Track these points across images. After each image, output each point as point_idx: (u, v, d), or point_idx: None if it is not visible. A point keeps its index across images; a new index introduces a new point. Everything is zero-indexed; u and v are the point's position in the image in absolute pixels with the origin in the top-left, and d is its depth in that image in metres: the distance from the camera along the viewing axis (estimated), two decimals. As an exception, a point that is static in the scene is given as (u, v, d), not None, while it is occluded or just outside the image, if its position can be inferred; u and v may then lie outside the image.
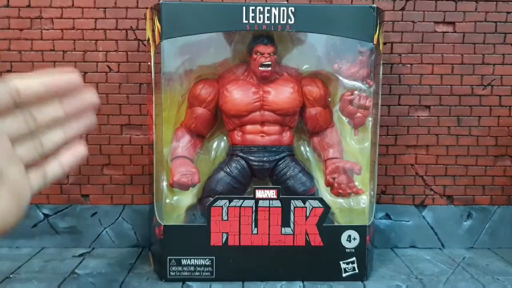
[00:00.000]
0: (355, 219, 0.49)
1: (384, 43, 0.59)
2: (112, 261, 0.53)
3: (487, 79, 0.60)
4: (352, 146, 0.52)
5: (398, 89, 0.60)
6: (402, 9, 0.59)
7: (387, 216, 0.61)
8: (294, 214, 0.47)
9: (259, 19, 0.46)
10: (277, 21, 0.46)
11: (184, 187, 0.48)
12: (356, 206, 0.50)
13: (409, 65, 0.60)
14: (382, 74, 0.60)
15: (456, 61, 0.60)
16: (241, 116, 0.49)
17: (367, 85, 0.49)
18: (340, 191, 0.50)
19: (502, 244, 0.61)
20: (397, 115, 0.60)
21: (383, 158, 0.61)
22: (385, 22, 0.59)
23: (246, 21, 0.46)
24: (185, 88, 0.50)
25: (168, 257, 0.48)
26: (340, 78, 0.49)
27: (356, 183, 0.50)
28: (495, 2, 0.59)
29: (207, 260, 0.48)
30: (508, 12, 0.59)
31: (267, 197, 0.48)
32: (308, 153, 0.53)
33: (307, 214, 0.47)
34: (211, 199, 0.47)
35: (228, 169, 0.50)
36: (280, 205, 0.47)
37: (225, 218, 0.47)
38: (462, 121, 0.61)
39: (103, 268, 0.52)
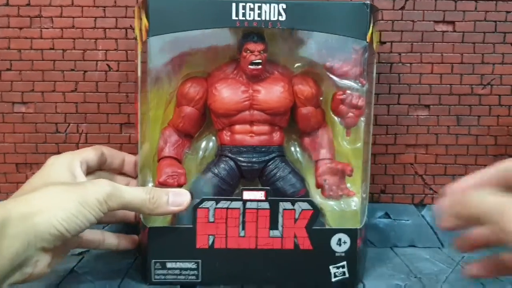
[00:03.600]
0: (345, 222, 0.47)
1: (384, 42, 0.59)
2: (112, 260, 0.53)
3: (486, 79, 0.60)
4: (344, 147, 0.50)
5: (397, 88, 0.60)
6: (402, 8, 0.59)
7: (387, 215, 0.61)
8: (282, 217, 0.45)
9: (249, 16, 0.44)
10: (267, 18, 0.44)
11: (173, 187, 0.47)
12: (347, 209, 0.48)
13: (408, 64, 0.60)
14: (382, 73, 0.60)
15: (456, 60, 0.60)
16: (229, 115, 0.47)
17: (360, 84, 0.47)
18: (330, 193, 0.48)
19: (501, 244, 0.61)
20: (396, 114, 0.60)
21: (382, 157, 0.61)
22: (382, 21, 0.59)
23: (236, 18, 0.44)
24: (173, 87, 0.49)
25: (153, 260, 0.46)
26: (332, 77, 0.48)
27: (348, 185, 0.49)
28: (494, 1, 0.59)
29: (193, 263, 0.46)
30: (507, 12, 0.59)
31: (255, 198, 0.45)
32: (298, 154, 0.51)
33: (296, 217, 0.45)
34: (198, 200, 0.45)
35: (216, 170, 0.48)
36: (268, 207, 0.45)
37: (211, 220, 0.45)
38: (461, 121, 0.61)
39: (102, 267, 0.52)
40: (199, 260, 0.46)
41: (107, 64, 0.59)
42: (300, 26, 0.45)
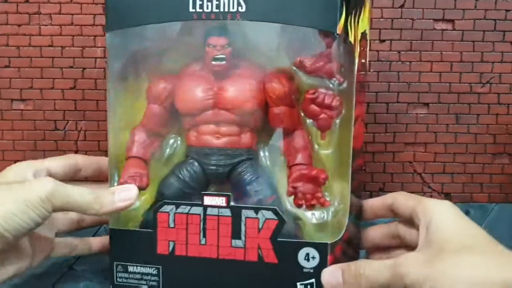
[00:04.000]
0: (314, 235, 0.42)
1: (383, 41, 0.59)
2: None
3: (486, 77, 0.60)
4: (317, 152, 0.45)
5: (396, 86, 0.60)
6: (401, 6, 0.59)
7: (385, 214, 0.61)
8: (245, 225, 0.41)
9: (207, 8, 0.41)
10: (226, 9, 0.40)
11: None
12: (319, 220, 0.43)
13: (408, 63, 0.60)
14: (381, 71, 0.60)
15: (455, 58, 0.60)
16: (193, 114, 0.44)
17: (336, 82, 0.42)
18: (300, 202, 0.43)
19: (500, 242, 0.61)
20: (395, 113, 0.60)
21: (381, 156, 0.61)
22: (381, 19, 0.59)
23: (193, 10, 0.41)
24: (140, 85, 0.46)
25: (115, 263, 0.44)
26: (304, 74, 0.43)
27: (326, 194, 0.43)
28: (494, 0, 0.59)
29: (154, 269, 0.43)
30: (507, 10, 0.59)
31: (216, 204, 0.42)
32: (267, 159, 0.46)
33: (260, 226, 0.41)
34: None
35: (179, 173, 0.45)
36: (230, 214, 0.42)
37: (171, 225, 0.43)
38: (460, 119, 0.61)
39: (100, 265, 0.52)
40: (160, 266, 0.44)
41: (105, 62, 0.59)
42: (262, 18, 0.40)
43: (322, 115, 0.42)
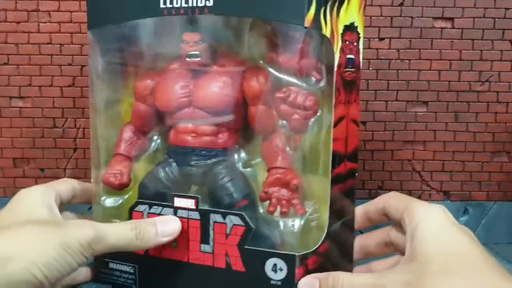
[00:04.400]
0: (284, 246, 0.39)
1: (382, 39, 0.59)
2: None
3: (485, 75, 0.60)
4: (292, 155, 0.41)
5: (396, 84, 0.60)
6: (401, 4, 0.59)
7: (384, 212, 0.61)
8: (213, 230, 0.39)
9: (176, 3, 0.39)
10: (194, 4, 0.39)
11: (113, 186, 0.44)
12: (288, 230, 0.39)
13: (407, 61, 0.60)
14: (380, 69, 0.60)
15: (454, 57, 0.60)
16: (171, 112, 0.42)
17: (313, 80, 0.39)
18: (271, 209, 0.39)
19: (498, 240, 0.62)
20: (394, 111, 0.60)
21: (380, 154, 0.61)
22: (381, 17, 0.59)
23: (164, 6, 0.39)
24: (128, 82, 0.46)
25: (97, 259, 0.43)
26: (279, 71, 0.39)
27: (306, 203, 0.40)
28: (493, -2, 0.59)
29: (131, 267, 0.43)
30: (507, 8, 0.59)
31: (185, 206, 0.40)
32: (244, 161, 0.43)
33: (227, 232, 0.39)
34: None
35: (157, 172, 0.43)
36: (199, 217, 0.40)
37: None
38: (459, 117, 0.61)
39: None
40: (136, 265, 0.43)
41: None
42: (230, 12, 0.38)
43: (295, 116, 0.39)
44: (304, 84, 0.39)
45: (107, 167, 0.45)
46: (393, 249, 0.39)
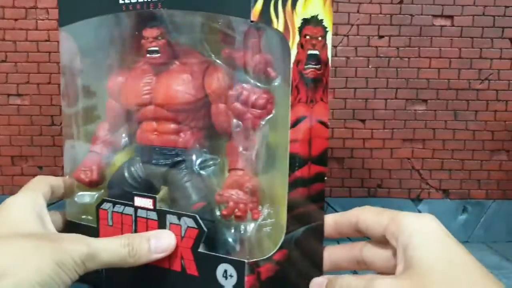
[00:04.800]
0: (236, 251, 0.37)
1: (382, 36, 0.59)
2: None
3: (484, 74, 0.60)
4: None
5: (395, 82, 0.60)
6: (400, 2, 0.59)
7: (383, 210, 0.61)
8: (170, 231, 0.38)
9: None
10: None
11: (83, 183, 0.43)
12: (239, 235, 0.38)
13: (406, 59, 0.60)
14: (380, 67, 0.59)
15: (454, 55, 0.60)
16: (135, 110, 0.41)
17: (268, 77, 0.36)
18: (225, 212, 0.37)
19: (497, 238, 0.62)
20: (394, 109, 0.60)
21: (379, 152, 0.61)
22: (380, 14, 0.59)
23: (122, 1, 0.39)
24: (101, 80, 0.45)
25: None
26: (232, 68, 0.38)
27: (260, 207, 0.37)
28: (493, -4, 0.59)
29: None
30: (506, 6, 0.59)
31: (144, 206, 0.39)
32: (205, 162, 0.41)
33: (182, 234, 0.38)
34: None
35: (123, 170, 0.42)
36: (156, 218, 0.39)
37: (110, 223, 0.41)
38: (459, 115, 0.61)
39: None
40: None
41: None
42: (183, 7, 0.37)
43: (248, 115, 0.37)
44: (258, 82, 0.36)
45: (81, 164, 0.45)
46: (365, 268, 0.37)
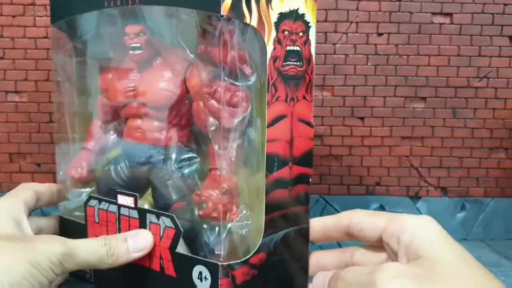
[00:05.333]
0: (211, 253, 0.37)
1: (381, 34, 0.59)
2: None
3: (483, 71, 0.60)
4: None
5: (394, 80, 0.60)
6: (399, -1, 0.59)
7: (381, 207, 0.61)
8: (150, 231, 0.38)
9: None
10: None
11: (73, 179, 0.43)
12: (217, 236, 0.37)
13: (405, 56, 0.60)
14: (379, 65, 0.59)
15: (453, 53, 0.60)
16: (120, 107, 0.41)
17: (243, 74, 0.35)
18: (201, 212, 0.36)
19: (495, 236, 0.62)
20: (392, 106, 0.60)
21: (378, 149, 0.61)
22: (379, 12, 0.59)
23: None
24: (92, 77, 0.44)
25: None
26: (208, 65, 0.37)
27: (235, 208, 0.36)
28: (492, -6, 0.59)
29: None
30: (505, 4, 0.59)
31: (126, 204, 0.39)
32: (186, 160, 0.40)
33: (161, 234, 0.38)
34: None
35: (110, 167, 0.41)
36: (137, 216, 0.38)
37: (96, 220, 0.41)
38: (457, 113, 0.61)
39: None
40: None
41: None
42: (159, 2, 0.36)
43: (223, 113, 0.35)
44: (233, 79, 0.35)
45: (73, 160, 0.45)
46: None
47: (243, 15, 0.32)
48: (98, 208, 0.41)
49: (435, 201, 0.62)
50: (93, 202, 0.42)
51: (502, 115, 0.61)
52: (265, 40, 0.33)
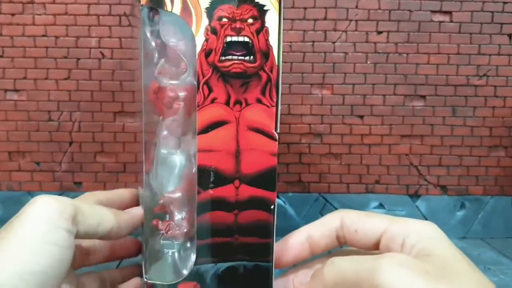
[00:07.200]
0: (163, 275, 0.33)
1: (380, 32, 0.59)
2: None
3: (482, 70, 0.60)
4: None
5: (393, 78, 0.60)
6: (399, -3, 0.59)
7: (381, 206, 0.61)
8: None
9: None
10: None
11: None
12: (147, 250, 0.33)
13: (405, 55, 0.60)
14: (378, 63, 0.59)
15: (452, 51, 0.60)
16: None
17: (178, 70, 0.31)
18: (160, 229, 0.32)
19: (494, 234, 0.62)
20: (392, 105, 0.60)
21: (377, 148, 0.61)
22: (379, 10, 0.59)
23: None
24: None
25: None
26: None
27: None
28: (492, -8, 0.59)
29: None
30: (505, 2, 0.59)
31: None
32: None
33: None
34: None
35: None
36: None
37: None
38: (457, 111, 0.61)
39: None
40: None
41: (100, 52, 0.58)
42: None
43: (165, 114, 0.31)
44: (167, 77, 0.31)
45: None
46: None
47: (162, 2, 0.28)
48: None
49: (435, 199, 0.62)
50: None
51: (502, 114, 0.61)
52: (194, 30, 0.28)
